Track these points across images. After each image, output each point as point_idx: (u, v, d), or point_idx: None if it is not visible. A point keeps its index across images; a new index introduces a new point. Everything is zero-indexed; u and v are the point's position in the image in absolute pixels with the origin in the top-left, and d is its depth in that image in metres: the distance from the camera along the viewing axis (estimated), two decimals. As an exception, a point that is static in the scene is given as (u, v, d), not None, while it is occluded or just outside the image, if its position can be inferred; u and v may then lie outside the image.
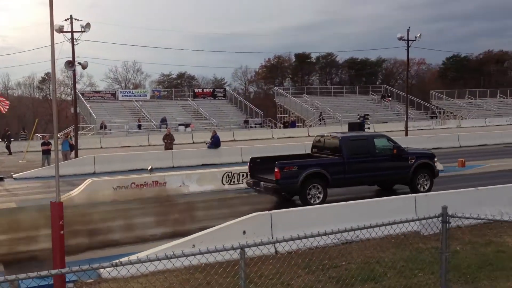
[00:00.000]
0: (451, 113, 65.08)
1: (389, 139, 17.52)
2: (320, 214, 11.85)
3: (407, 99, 45.33)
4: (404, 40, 40.21)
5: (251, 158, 17.21)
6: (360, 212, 12.00)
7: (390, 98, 67.00)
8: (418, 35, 40.12)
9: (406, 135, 39.60)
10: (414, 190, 16.48)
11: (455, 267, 9.15)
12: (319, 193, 15.60)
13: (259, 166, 16.85)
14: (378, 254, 10.06)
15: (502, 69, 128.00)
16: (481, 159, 26.02)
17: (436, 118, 61.02)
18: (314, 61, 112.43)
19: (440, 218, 6.53)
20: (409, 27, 40.26)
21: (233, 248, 5.68)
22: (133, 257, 7.03)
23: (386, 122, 54.82)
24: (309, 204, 14.91)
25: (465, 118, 60.52)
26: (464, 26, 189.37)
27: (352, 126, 21.77)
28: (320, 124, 55.25)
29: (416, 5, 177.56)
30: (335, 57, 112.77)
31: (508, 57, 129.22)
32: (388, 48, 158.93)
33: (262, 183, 16.07)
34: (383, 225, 6.55)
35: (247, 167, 17.65)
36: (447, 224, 6.52)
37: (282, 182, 15.29)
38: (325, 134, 18.40)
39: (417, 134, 39.87)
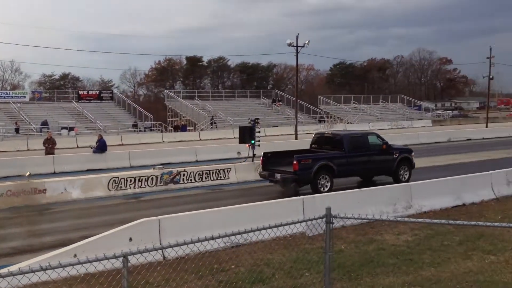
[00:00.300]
0: (338, 117, 68.02)
1: (378, 136, 20.08)
2: (211, 218, 11.67)
3: (297, 103, 46.65)
4: (293, 46, 41.33)
5: (264, 153, 19.24)
6: (250, 215, 11.98)
7: (280, 103, 68.67)
8: (307, 41, 41.44)
9: (296, 138, 40.70)
10: (396, 180, 19.16)
11: (340, 265, 9.41)
12: (327, 182, 17.73)
13: (271, 160, 18.90)
14: (267, 256, 10.12)
15: (384, 76, 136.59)
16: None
17: (324, 122, 63.41)
18: (206, 64, 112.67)
19: (324, 219, 6.61)
20: (298, 34, 41.54)
21: (115, 257, 5.42)
22: (3, 271, 6.41)
23: (277, 126, 56.04)
24: (319, 192, 16.84)
25: (351, 123, 63.44)
26: (350, 35, 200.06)
27: (243, 130, 21.74)
28: (212, 128, 55.24)
29: (304, 12, 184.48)
30: (227, 61, 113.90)
31: (389, 65, 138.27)
32: (279, 54, 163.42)
33: (278, 174, 18.00)
34: (270, 227, 6.51)
35: (135, 172, 18.29)
36: (331, 225, 6.62)
37: (300, 173, 17.36)
38: (326, 132, 21.21)
39: (306, 138, 41.03)
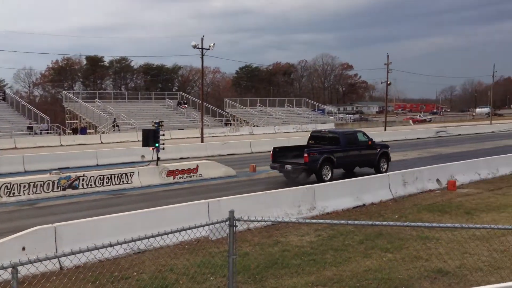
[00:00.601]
0: (244, 120, 68.60)
1: (364, 134, 23.69)
2: (112, 225, 11.19)
3: (202, 106, 46.40)
4: (198, 48, 40.99)
5: (274, 148, 22.28)
6: (154, 219, 11.64)
7: (186, 105, 68.10)
8: (212, 44, 41.25)
9: (202, 141, 40.43)
10: (377, 171, 22.47)
11: (245, 268, 9.41)
12: (329, 172, 20.83)
13: (279, 153, 21.83)
14: (171, 262, 9.93)
15: (289, 80, 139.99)
16: (270, 164, 27.59)
17: (230, 125, 63.71)
18: (108, 65, 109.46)
19: (227, 222, 6.49)
20: (203, 36, 41.24)
21: (3, 267, 5.09)
22: None
23: (183, 129, 55.48)
24: (323, 180, 19.72)
25: (257, 126, 64.24)
26: (256, 38, 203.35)
27: (146, 133, 21.15)
28: (114, 130, 53.56)
29: (211, 15, 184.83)
30: (130, 62, 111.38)
31: (294, 69, 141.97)
32: (184, 56, 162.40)
33: (288, 166, 20.95)
34: (171, 232, 6.31)
35: (29, 177, 18.02)
36: (234, 228, 6.52)
37: (309, 164, 20.40)
38: (322, 130, 25.26)
39: (212, 141, 40.98)
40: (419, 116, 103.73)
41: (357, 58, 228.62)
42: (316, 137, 23.32)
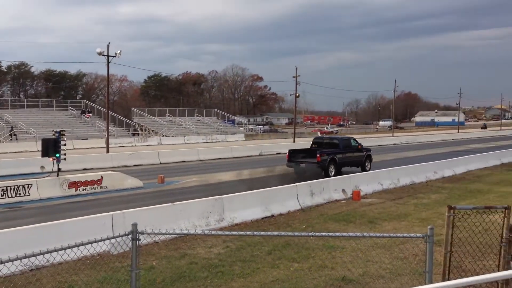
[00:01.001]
0: (153, 130, 67.31)
1: (355, 140, 29.44)
2: (6, 240, 10.39)
3: (108, 115, 45.00)
4: (104, 55, 39.77)
5: (289, 150, 27.64)
6: (54, 234, 10.97)
7: (90, 114, 65.76)
8: (118, 51, 40.19)
9: (108, 152, 39.13)
10: (363, 169, 27.46)
11: (150, 282, 9.15)
12: (333, 170, 25.85)
13: (294, 154, 27.13)
14: (71, 278, 9.45)
15: (199, 90, 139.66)
16: (179, 175, 27.27)
17: (138, 135, 62.27)
18: (5, 70, 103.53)
19: (130, 236, 6.20)
20: (109, 43, 40.16)
21: None
22: None
23: (87, 139, 53.50)
24: (329, 175, 24.10)
25: (166, 136, 63.24)
26: (165, 47, 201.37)
27: (46, 143, 20.03)
28: (11, 140, 50.67)
29: (118, 22, 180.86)
30: (30, 68, 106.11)
31: (204, 79, 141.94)
32: (89, 62, 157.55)
33: (303, 164, 26.30)
34: (69, 247, 5.96)
35: None
36: (137, 241, 6.23)
37: (321, 162, 25.56)
38: (324, 137, 33.76)
39: (119, 151, 39.79)
40: (327, 128, 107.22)
41: (267, 70, 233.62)
42: (318, 143, 29.08)
